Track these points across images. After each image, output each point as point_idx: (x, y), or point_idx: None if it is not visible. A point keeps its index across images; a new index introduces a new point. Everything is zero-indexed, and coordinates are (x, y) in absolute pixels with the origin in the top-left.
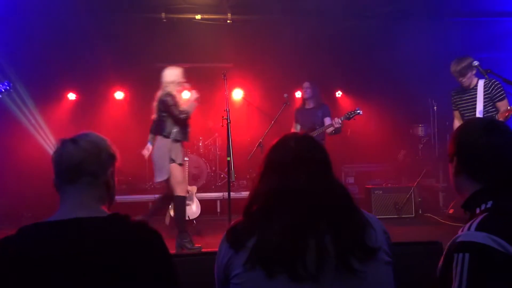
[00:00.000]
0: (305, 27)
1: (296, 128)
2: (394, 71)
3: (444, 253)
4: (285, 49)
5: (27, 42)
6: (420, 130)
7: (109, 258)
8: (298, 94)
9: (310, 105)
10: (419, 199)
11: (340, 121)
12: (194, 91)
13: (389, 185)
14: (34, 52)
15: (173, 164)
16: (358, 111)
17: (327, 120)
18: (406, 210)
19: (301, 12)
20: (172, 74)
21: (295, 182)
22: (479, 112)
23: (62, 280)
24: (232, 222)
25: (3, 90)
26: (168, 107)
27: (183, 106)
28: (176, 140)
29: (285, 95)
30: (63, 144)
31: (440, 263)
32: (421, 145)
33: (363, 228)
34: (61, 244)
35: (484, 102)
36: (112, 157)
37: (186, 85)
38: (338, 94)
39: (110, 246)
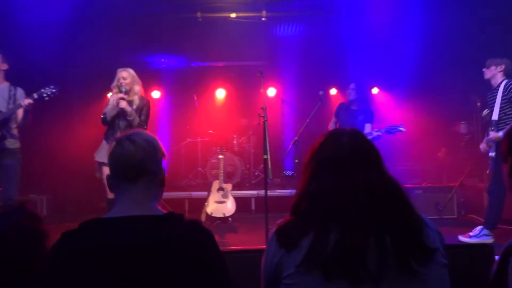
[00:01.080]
0: (338, 23)
1: (333, 122)
2: (434, 66)
3: (499, 257)
4: (319, 46)
5: (69, 44)
6: (463, 127)
7: (163, 256)
8: (333, 91)
9: (354, 106)
10: (462, 200)
11: (379, 134)
12: (119, 94)
13: (429, 184)
14: (75, 53)
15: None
16: (401, 128)
17: (367, 127)
18: (448, 210)
19: (335, 7)
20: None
21: (352, 180)
22: (495, 113)
23: (118, 275)
24: (281, 221)
25: (50, 93)
26: None
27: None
28: (106, 140)
29: (320, 92)
30: (121, 143)
31: (494, 267)
32: (463, 143)
33: (421, 227)
34: (119, 240)
35: (502, 103)
36: (163, 156)
37: (122, 86)
38: (375, 91)
39: (166, 244)
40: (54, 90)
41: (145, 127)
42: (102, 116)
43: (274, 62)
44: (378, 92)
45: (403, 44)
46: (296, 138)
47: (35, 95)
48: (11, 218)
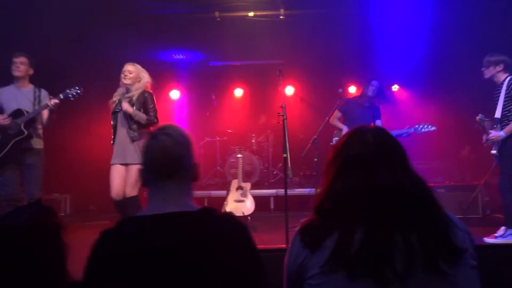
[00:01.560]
0: (357, 20)
1: (336, 117)
2: (456, 62)
3: None
4: (338, 43)
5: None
6: (487, 124)
7: (201, 251)
8: (352, 89)
9: (366, 103)
10: (487, 199)
11: (410, 133)
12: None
13: (452, 183)
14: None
15: None
16: (433, 128)
17: (378, 123)
18: (472, 210)
19: (354, 4)
20: None
21: (378, 178)
22: (498, 110)
23: (156, 273)
24: (304, 220)
25: (75, 93)
26: None
27: None
28: (113, 142)
29: (340, 90)
30: (158, 137)
31: None
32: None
33: (449, 226)
34: (157, 237)
35: (505, 101)
36: (193, 151)
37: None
38: (395, 88)
39: (202, 240)
40: (78, 91)
41: (156, 121)
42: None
43: (292, 60)
44: (399, 89)
45: (424, 40)
46: (315, 136)
47: (61, 96)
48: (25, 213)
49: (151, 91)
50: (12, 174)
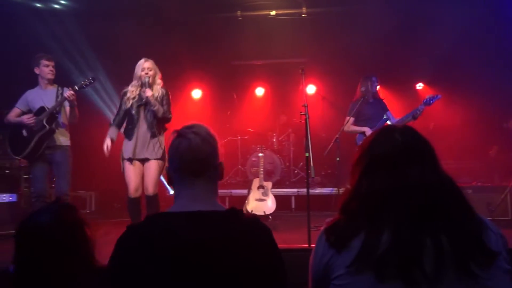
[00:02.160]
0: (381, 17)
1: (350, 124)
2: (484, 58)
3: None
4: (361, 41)
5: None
6: None
7: (226, 252)
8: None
9: (371, 99)
10: None
11: (422, 109)
12: (145, 89)
13: (480, 184)
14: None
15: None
16: (438, 96)
17: (389, 114)
18: (500, 211)
19: (377, 1)
20: None
21: (408, 178)
22: None
23: (181, 269)
24: (329, 220)
25: (88, 83)
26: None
27: None
28: (125, 135)
29: (362, 88)
30: (186, 136)
31: None
32: None
33: (481, 228)
34: (184, 235)
35: None
36: (219, 150)
37: (145, 77)
38: (419, 86)
39: (228, 240)
40: (92, 80)
41: (170, 115)
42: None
43: (314, 59)
44: (423, 88)
45: (449, 36)
46: (337, 136)
47: (76, 87)
48: (50, 211)
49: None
50: (40, 171)
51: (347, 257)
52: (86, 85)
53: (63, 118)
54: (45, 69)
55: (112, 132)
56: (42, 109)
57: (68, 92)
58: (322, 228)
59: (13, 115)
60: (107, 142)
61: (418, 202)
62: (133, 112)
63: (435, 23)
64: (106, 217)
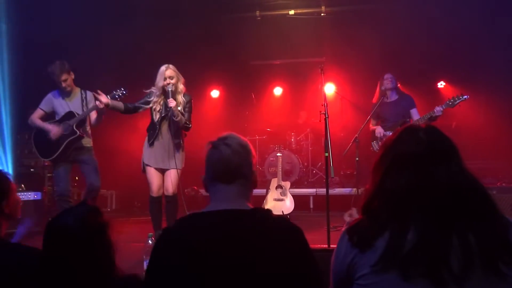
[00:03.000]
0: (400, 15)
1: (373, 124)
2: (509, 56)
3: None
4: (381, 40)
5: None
6: None
7: (256, 247)
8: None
9: (392, 97)
10: None
11: (441, 110)
12: (169, 100)
13: (504, 184)
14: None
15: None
16: (464, 97)
17: (414, 112)
18: None
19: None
20: None
21: (432, 176)
22: None
23: (215, 265)
24: (352, 220)
25: (121, 94)
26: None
27: None
28: (147, 141)
29: (382, 87)
30: (218, 147)
31: None
32: None
33: (508, 227)
34: (216, 231)
35: None
36: (253, 158)
37: (168, 86)
38: (441, 84)
39: (258, 236)
40: (124, 91)
41: (190, 125)
42: (130, 104)
43: (333, 58)
44: (445, 86)
45: (472, 33)
46: (356, 135)
47: (108, 97)
48: (76, 214)
49: (190, 94)
50: (64, 171)
51: (371, 257)
52: (118, 95)
53: (87, 121)
54: (60, 85)
55: (118, 103)
56: (70, 114)
57: (99, 103)
58: (343, 228)
59: (36, 116)
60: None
61: (445, 201)
62: (156, 121)
63: (457, 19)
64: (127, 215)
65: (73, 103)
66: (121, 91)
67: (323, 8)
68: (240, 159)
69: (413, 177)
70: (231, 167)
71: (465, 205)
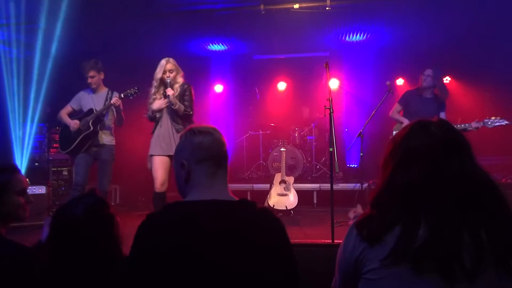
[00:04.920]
0: (405, 9)
1: (396, 111)
2: None
3: None
4: (386, 34)
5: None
6: None
7: (238, 238)
8: (400, 81)
9: (427, 94)
10: None
11: (478, 127)
12: (167, 89)
13: (510, 181)
14: (143, 48)
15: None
16: (505, 122)
17: (442, 115)
18: None
19: None
20: None
21: (447, 171)
22: None
23: (200, 255)
24: (362, 213)
25: (133, 93)
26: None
27: None
28: (153, 133)
29: (388, 82)
30: (208, 132)
31: None
32: None
33: None
34: (200, 222)
35: None
36: None
37: (167, 79)
38: (446, 80)
39: (242, 228)
40: (137, 91)
41: (191, 112)
42: (146, 114)
43: (337, 52)
44: (450, 81)
45: (480, 26)
46: (361, 130)
47: (122, 95)
48: (84, 203)
49: (189, 84)
50: (81, 165)
51: (381, 251)
52: (131, 94)
53: (110, 120)
54: (87, 80)
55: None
56: (90, 111)
57: (114, 99)
58: (351, 222)
59: (64, 112)
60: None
61: (456, 196)
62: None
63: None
64: (131, 210)
65: (98, 101)
66: (134, 90)
67: (328, 1)
68: (224, 145)
69: (425, 171)
70: (223, 149)
71: (477, 200)
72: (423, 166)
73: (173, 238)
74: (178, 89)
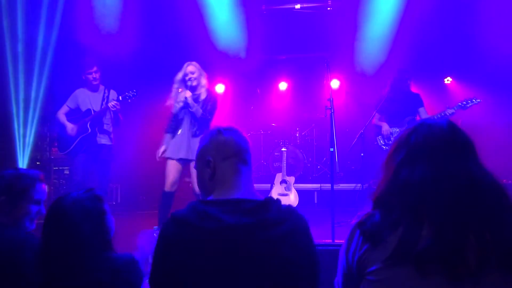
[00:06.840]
0: (408, 10)
1: (377, 119)
2: None
3: None
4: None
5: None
6: None
7: (264, 238)
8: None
9: (398, 95)
10: None
11: (453, 111)
12: (186, 91)
13: (510, 182)
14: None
15: None
16: (478, 100)
17: (422, 111)
18: None
19: None
20: None
21: (449, 170)
22: None
23: (221, 253)
24: (364, 213)
25: (132, 96)
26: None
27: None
28: (170, 133)
29: (395, 83)
30: (231, 130)
31: None
32: None
33: None
34: (225, 221)
35: None
36: None
37: (188, 80)
38: (447, 80)
39: (268, 227)
40: (135, 94)
41: (210, 118)
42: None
43: (338, 53)
44: (451, 82)
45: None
46: (362, 131)
47: (120, 97)
48: (74, 197)
49: (216, 95)
50: (79, 165)
51: (383, 251)
52: (129, 97)
53: (108, 121)
54: (90, 75)
55: (167, 140)
56: (88, 112)
57: (111, 103)
58: (353, 222)
59: (62, 112)
60: (161, 149)
61: (461, 196)
62: (176, 112)
63: (466, 13)
64: (132, 209)
65: (95, 101)
66: (132, 93)
67: (329, 2)
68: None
69: (429, 170)
70: (247, 147)
71: (481, 201)
72: (426, 164)
73: (198, 236)
74: (205, 94)
